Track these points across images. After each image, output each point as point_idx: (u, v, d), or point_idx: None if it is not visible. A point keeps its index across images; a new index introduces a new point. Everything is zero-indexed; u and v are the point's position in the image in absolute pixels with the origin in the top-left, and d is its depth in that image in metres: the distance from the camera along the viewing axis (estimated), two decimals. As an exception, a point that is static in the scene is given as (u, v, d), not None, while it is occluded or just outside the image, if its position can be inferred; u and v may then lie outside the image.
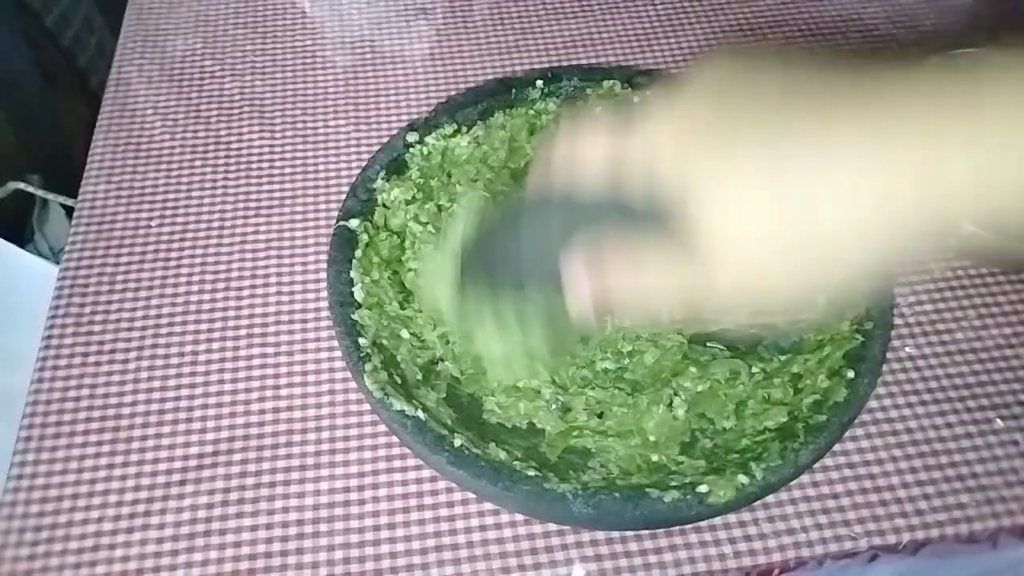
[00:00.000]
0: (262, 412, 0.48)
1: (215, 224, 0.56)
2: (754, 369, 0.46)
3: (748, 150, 0.27)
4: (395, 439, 0.43)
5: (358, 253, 0.46)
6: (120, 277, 0.53)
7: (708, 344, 0.47)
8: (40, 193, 0.80)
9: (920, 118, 0.25)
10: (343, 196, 0.50)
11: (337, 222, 0.47)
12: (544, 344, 0.36)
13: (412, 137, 0.51)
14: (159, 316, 0.52)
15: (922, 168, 0.25)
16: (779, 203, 0.26)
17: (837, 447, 0.41)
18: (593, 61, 0.66)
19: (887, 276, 0.29)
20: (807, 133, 0.26)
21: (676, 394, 0.46)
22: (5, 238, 0.70)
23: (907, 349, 0.50)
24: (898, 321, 0.51)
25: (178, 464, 0.46)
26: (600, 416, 0.45)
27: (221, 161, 0.60)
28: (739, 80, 0.28)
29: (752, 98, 0.28)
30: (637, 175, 0.29)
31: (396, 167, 0.50)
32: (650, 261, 0.30)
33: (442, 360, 0.46)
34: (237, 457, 0.46)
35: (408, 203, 0.50)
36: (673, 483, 0.39)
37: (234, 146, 0.61)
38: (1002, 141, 0.24)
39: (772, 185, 0.26)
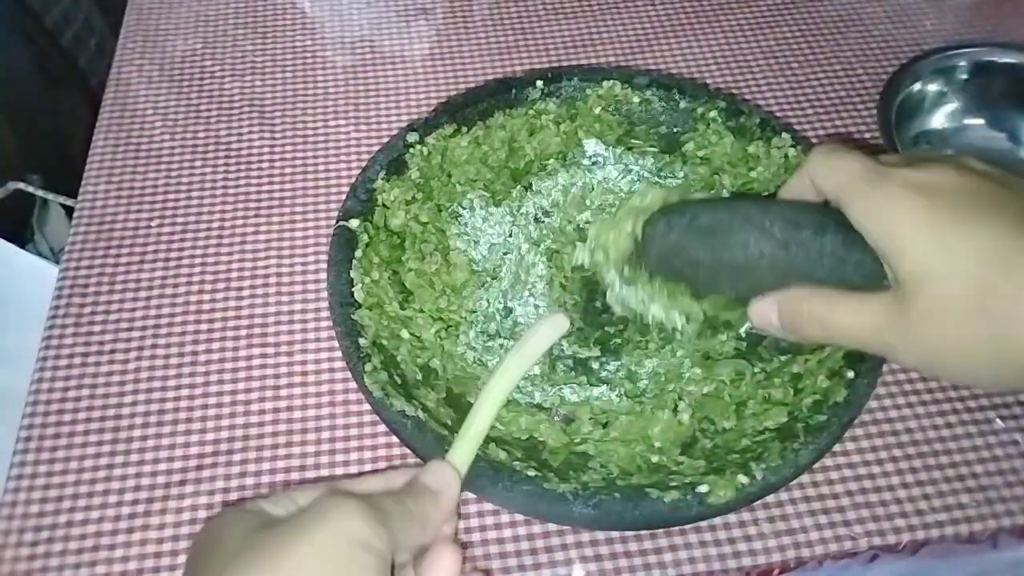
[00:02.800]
0: (262, 412, 0.48)
1: (215, 224, 0.56)
2: (755, 369, 0.46)
3: (986, 233, 0.28)
4: (395, 439, 0.43)
5: (358, 253, 0.46)
6: (120, 277, 0.53)
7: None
8: (40, 193, 0.80)
9: None
10: (343, 196, 0.50)
11: (337, 222, 0.47)
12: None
13: (412, 137, 0.51)
14: (159, 316, 0.52)
15: None
16: (1000, 295, 0.27)
17: (837, 447, 0.41)
18: (593, 61, 0.66)
19: None
20: None
21: (680, 398, 0.46)
22: (5, 238, 0.70)
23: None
24: (898, 321, 0.51)
25: (178, 464, 0.46)
26: (605, 426, 0.45)
27: (221, 161, 0.60)
28: (986, 177, 0.31)
29: (996, 195, 0.30)
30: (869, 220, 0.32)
31: (396, 167, 0.50)
32: (845, 302, 0.33)
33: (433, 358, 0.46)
34: (237, 457, 0.46)
35: (408, 203, 0.50)
36: (673, 483, 0.39)
37: (234, 146, 0.61)
38: None
39: (999, 274, 0.28)
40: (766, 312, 0.36)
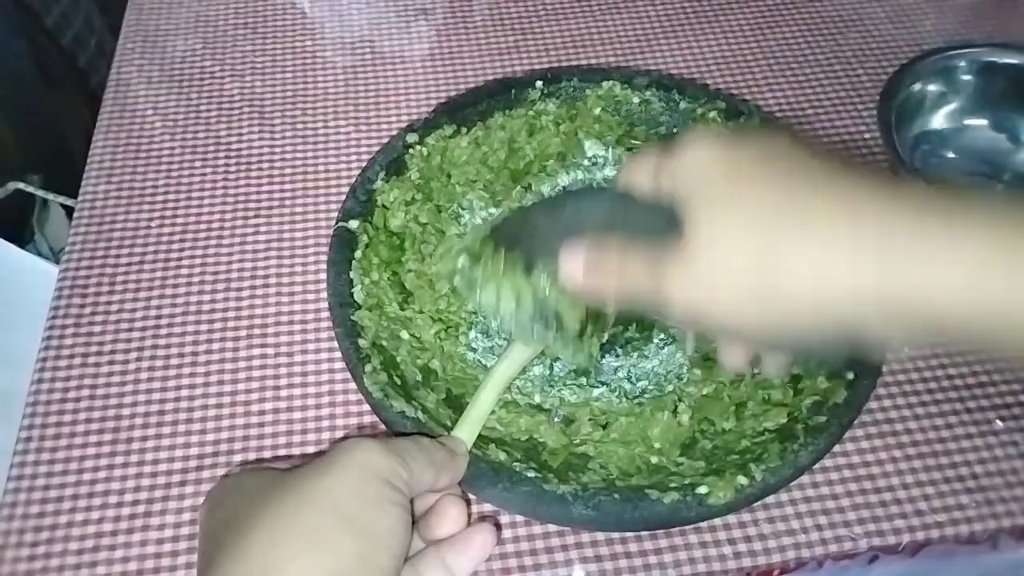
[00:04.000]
0: (262, 413, 0.48)
1: (215, 225, 0.56)
2: (754, 370, 0.46)
3: (753, 196, 0.31)
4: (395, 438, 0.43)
5: (358, 254, 0.46)
6: (120, 277, 0.53)
7: None
8: (40, 193, 0.80)
9: (904, 226, 0.28)
10: (343, 197, 0.50)
11: (337, 223, 0.47)
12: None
13: (412, 138, 0.51)
14: (159, 316, 0.52)
15: (893, 265, 0.28)
16: (764, 250, 0.30)
17: (837, 448, 0.41)
18: (593, 61, 0.66)
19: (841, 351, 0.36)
20: (808, 205, 0.30)
21: (680, 399, 0.46)
22: (5, 238, 0.70)
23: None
24: (898, 322, 0.51)
25: (178, 465, 0.46)
26: (605, 427, 0.45)
27: (221, 161, 0.60)
28: (751, 146, 0.33)
29: (766, 162, 0.32)
30: (665, 187, 0.34)
31: (396, 168, 0.50)
32: (641, 254, 0.34)
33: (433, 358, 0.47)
34: (237, 458, 0.46)
35: (408, 204, 0.50)
36: (673, 484, 0.39)
37: (234, 146, 0.61)
38: (978, 261, 0.27)
39: (763, 233, 0.30)
40: (572, 261, 0.36)
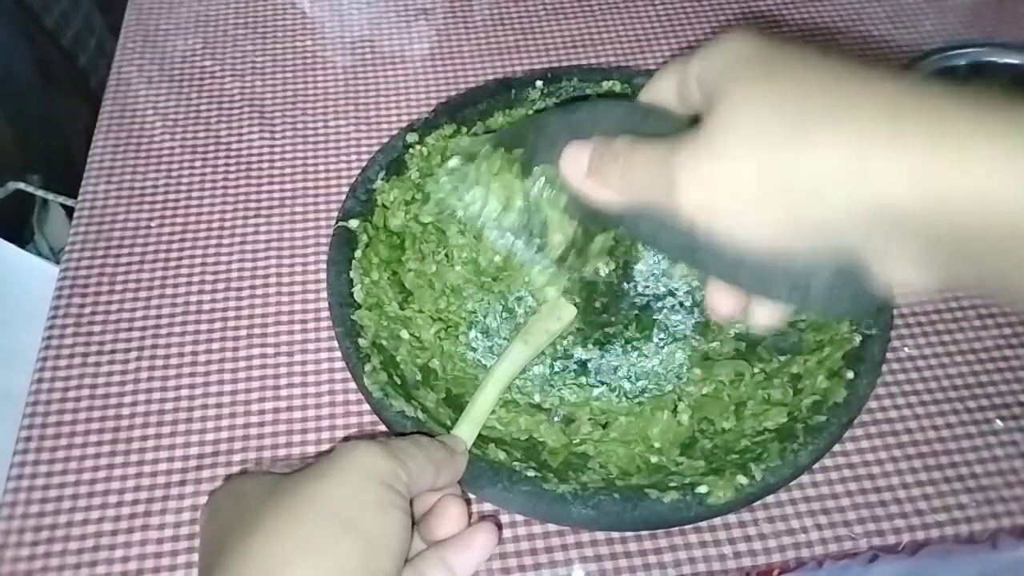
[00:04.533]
0: (262, 412, 0.48)
1: (215, 224, 0.56)
2: (754, 370, 0.46)
3: (784, 82, 0.27)
4: (394, 439, 0.43)
5: (358, 254, 0.46)
6: (120, 277, 0.53)
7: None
8: (40, 193, 0.80)
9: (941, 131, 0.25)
10: (343, 196, 0.50)
11: (337, 222, 0.47)
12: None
13: (412, 137, 0.51)
14: (159, 316, 0.52)
15: (938, 164, 0.24)
16: (792, 137, 0.26)
17: (837, 447, 0.41)
18: (593, 61, 0.66)
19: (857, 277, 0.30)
20: (845, 95, 0.26)
21: (680, 399, 0.46)
22: (5, 238, 0.70)
23: (907, 349, 0.50)
24: (898, 321, 0.51)
25: (178, 464, 0.46)
26: (605, 426, 0.45)
27: (221, 161, 0.60)
28: (787, 42, 0.29)
29: (802, 53, 0.28)
30: (691, 90, 0.31)
31: (396, 167, 0.50)
32: (648, 144, 0.30)
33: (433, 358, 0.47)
34: (237, 457, 0.46)
35: (408, 203, 0.50)
36: (672, 484, 0.39)
37: (234, 146, 0.61)
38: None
39: (793, 119, 0.26)
40: (576, 153, 0.33)
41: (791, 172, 0.26)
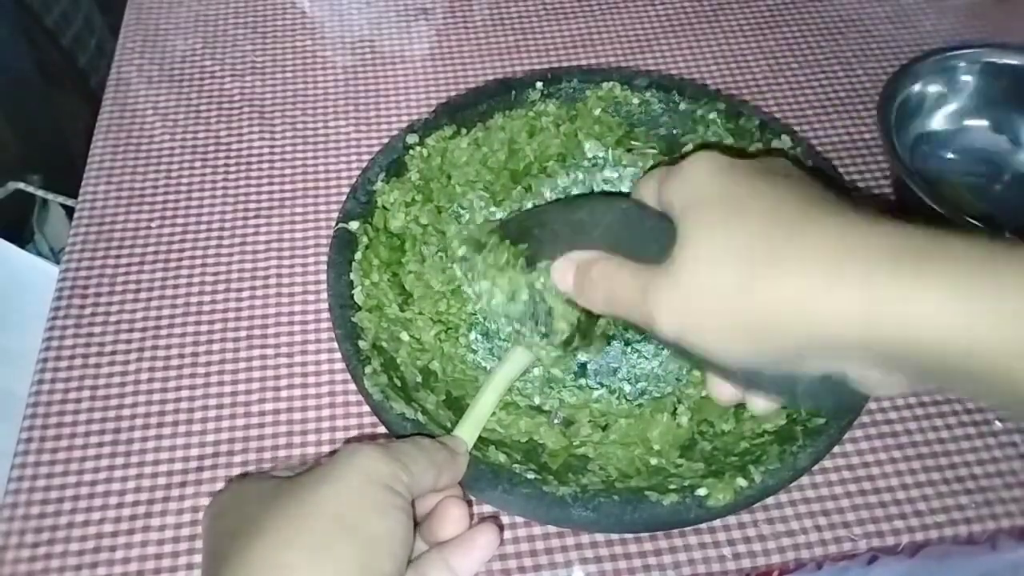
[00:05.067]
0: (262, 414, 0.48)
1: (215, 225, 0.56)
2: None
3: (745, 219, 0.30)
4: (395, 441, 0.44)
5: (358, 255, 0.46)
6: (120, 278, 0.53)
7: None
8: (40, 193, 0.80)
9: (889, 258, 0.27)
10: (343, 197, 0.50)
11: (337, 224, 0.47)
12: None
13: (412, 139, 0.51)
14: (159, 317, 0.52)
15: (877, 297, 0.27)
16: (751, 273, 0.29)
17: (836, 449, 0.41)
18: (593, 62, 0.66)
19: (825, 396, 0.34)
20: (798, 232, 0.29)
21: (680, 401, 0.46)
22: (5, 238, 0.70)
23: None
24: (898, 323, 0.51)
25: (178, 465, 0.46)
26: (604, 428, 0.45)
27: (221, 162, 0.60)
28: (750, 171, 0.33)
29: (761, 190, 0.32)
30: (665, 202, 0.35)
31: (396, 169, 0.50)
32: (630, 269, 0.34)
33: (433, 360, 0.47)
34: (237, 459, 0.46)
35: (408, 205, 0.50)
36: (672, 486, 0.39)
37: (234, 147, 0.61)
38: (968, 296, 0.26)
39: (751, 256, 0.30)
40: (564, 270, 0.38)
41: (747, 309, 0.29)
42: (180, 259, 0.54)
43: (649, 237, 0.35)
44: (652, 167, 0.52)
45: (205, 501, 0.45)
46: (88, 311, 0.52)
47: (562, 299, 0.40)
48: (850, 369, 0.30)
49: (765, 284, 0.29)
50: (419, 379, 0.44)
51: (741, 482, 0.38)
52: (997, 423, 0.47)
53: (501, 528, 0.43)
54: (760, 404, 0.36)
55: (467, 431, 0.40)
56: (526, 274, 0.40)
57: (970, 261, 0.26)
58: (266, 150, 0.60)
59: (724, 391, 0.36)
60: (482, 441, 0.41)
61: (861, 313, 0.27)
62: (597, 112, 0.54)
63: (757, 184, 0.32)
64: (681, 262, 0.31)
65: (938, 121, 0.60)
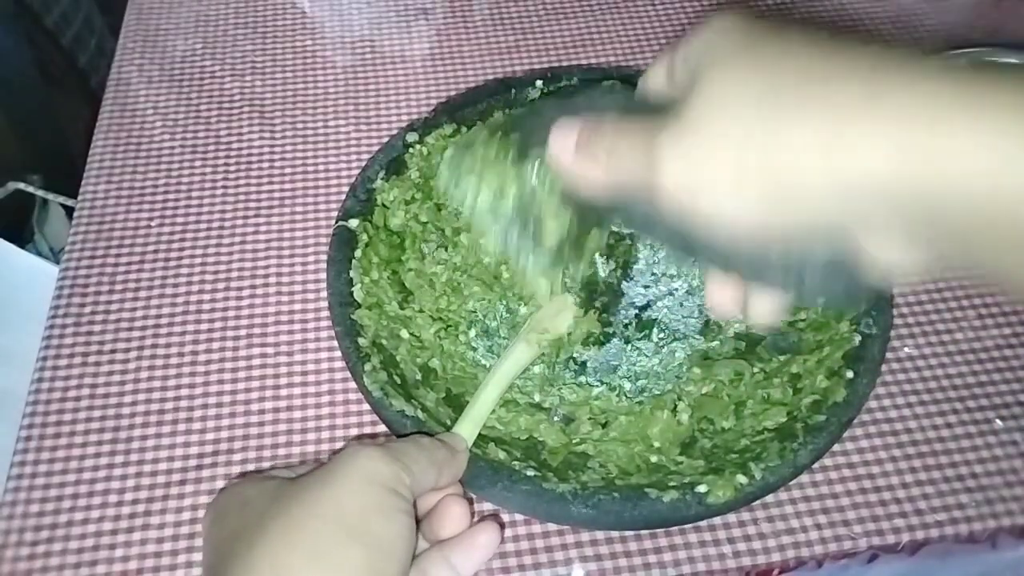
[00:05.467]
0: (262, 412, 0.48)
1: (215, 224, 0.56)
2: (754, 369, 0.46)
3: (763, 64, 0.27)
4: (395, 439, 0.43)
5: (358, 253, 0.46)
6: (120, 277, 0.53)
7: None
8: (40, 193, 0.80)
9: (925, 107, 0.24)
10: (343, 196, 0.50)
11: (337, 222, 0.47)
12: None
13: (412, 137, 0.51)
14: (159, 316, 0.52)
15: (911, 143, 0.24)
16: (767, 118, 0.26)
17: (836, 447, 0.41)
18: (593, 61, 0.66)
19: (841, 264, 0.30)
20: (822, 75, 0.26)
21: (680, 398, 0.46)
22: (5, 238, 0.70)
23: (907, 349, 0.50)
24: (898, 321, 0.51)
25: (178, 464, 0.46)
26: (604, 426, 0.45)
27: (221, 161, 0.60)
28: (771, 25, 0.29)
29: (784, 37, 0.28)
30: (679, 76, 0.31)
31: (396, 167, 0.50)
32: (634, 125, 0.30)
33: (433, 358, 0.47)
34: (237, 457, 0.46)
35: (408, 203, 0.50)
36: (672, 483, 0.39)
37: (234, 146, 0.61)
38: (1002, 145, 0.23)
39: (768, 101, 0.26)
40: (566, 131, 0.33)
41: (768, 151, 0.26)
42: (180, 258, 0.54)
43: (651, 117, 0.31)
44: None
45: (205, 499, 0.45)
46: (88, 310, 0.52)
47: (554, 195, 0.37)
48: (867, 240, 0.28)
49: (784, 127, 0.26)
50: (419, 376, 0.44)
51: (741, 479, 0.38)
52: (998, 422, 0.47)
53: (502, 526, 0.43)
54: (761, 309, 0.32)
55: (467, 428, 0.40)
56: (517, 166, 0.37)
57: (1018, 102, 0.23)
58: (266, 149, 0.60)
59: (723, 297, 0.33)
60: (482, 438, 0.41)
61: (890, 158, 0.24)
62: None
63: (778, 35, 0.28)
64: (693, 107, 0.28)
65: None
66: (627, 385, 0.47)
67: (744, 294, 0.32)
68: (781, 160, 0.26)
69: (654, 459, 0.43)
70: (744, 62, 0.28)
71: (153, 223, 0.56)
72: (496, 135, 0.38)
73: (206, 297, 0.53)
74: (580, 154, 0.32)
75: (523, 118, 0.39)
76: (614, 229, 0.46)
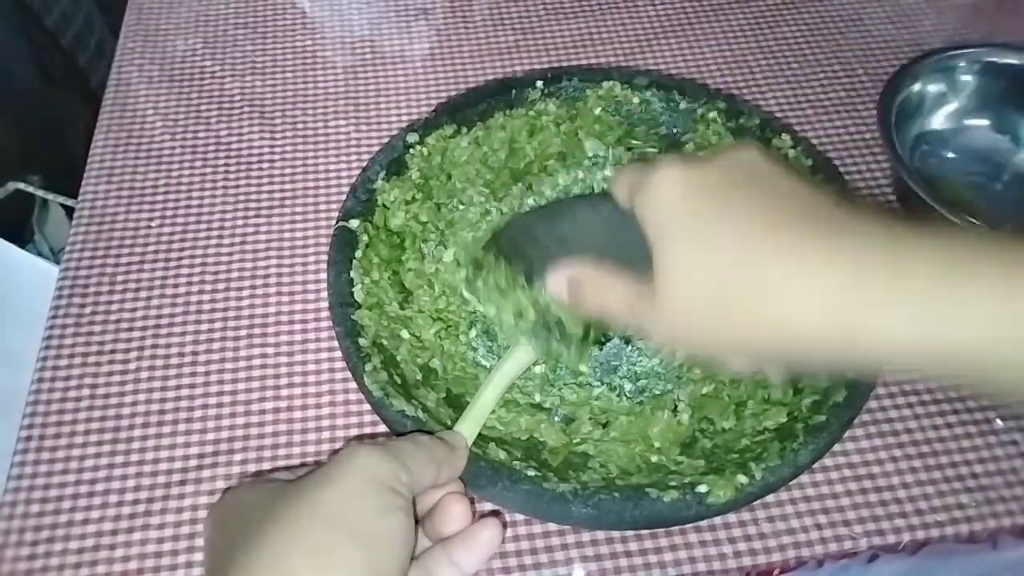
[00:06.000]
0: (262, 412, 0.48)
1: (215, 224, 0.56)
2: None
3: (712, 230, 0.31)
4: (395, 439, 0.43)
5: (358, 253, 0.46)
6: (120, 277, 0.53)
7: None
8: (40, 193, 0.80)
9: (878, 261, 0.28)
10: (343, 196, 0.50)
11: (337, 222, 0.47)
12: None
13: (412, 138, 0.51)
14: (159, 316, 0.52)
15: (834, 302, 0.28)
16: (734, 286, 0.30)
17: (837, 447, 0.41)
18: (593, 61, 0.66)
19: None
20: (764, 234, 0.30)
21: (680, 399, 0.46)
22: (5, 238, 0.70)
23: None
24: (898, 321, 0.51)
25: (178, 464, 0.46)
26: (605, 426, 0.45)
27: (221, 161, 0.60)
28: (712, 178, 0.33)
29: (730, 186, 0.32)
30: (637, 215, 0.34)
31: (396, 167, 0.50)
32: (620, 284, 0.35)
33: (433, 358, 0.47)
34: (237, 457, 0.46)
35: (408, 203, 0.50)
36: (672, 483, 0.39)
37: (234, 146, 0.61)
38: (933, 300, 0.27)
39: (736, 269, 0.30)
40: (557, 284, 0.38)
41: (728, 312, 0.30)
42: (180, 258, 0.54)
43: (632, 240, 0.35)
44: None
45: (205, 499, 0.45)
46: (88, 310, 0.52)
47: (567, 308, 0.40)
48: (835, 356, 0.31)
49: (742, 282, 0.30)
50: (419, 377, 0.44)
51: (742, 479, 0.38)
52: (998, 422, 0.47)
53: (504, 524, 0.43)
54: (773, 371, 0.37)
55: (467, 427, 0.40)
56: (527, 292, 0.41)
57: (934, 271, 0.27)
58: (266, 150, 0.60)
59: (740, 364, 0.36)
60: (482, 438, 0.41)
61: (817, 324, 0.29)
62: (597, 111, 0.54)
63: (723, 202, 0.32)
64: (661, 285, 0.32)
65: (938, 120, 0.60)
66: (627, 385, 0.47)
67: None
68: (740, 312, 0.30)
69: (654, 459, 0.43)
70: (692, 240, 0.32)
71: (153, 223, 0.56)
72: (501, 261, 0.42)
73: (206, 297, 0.53)
74: (574, 300, 0.38)
75: (522, 243, 0.43)
76: None
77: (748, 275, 0.30)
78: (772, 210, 0.31)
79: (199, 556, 0.43)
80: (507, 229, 0.44)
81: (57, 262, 0.62)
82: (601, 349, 0.49)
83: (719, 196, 0.32)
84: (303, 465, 0.45)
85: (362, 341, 0.43)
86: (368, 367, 0.42)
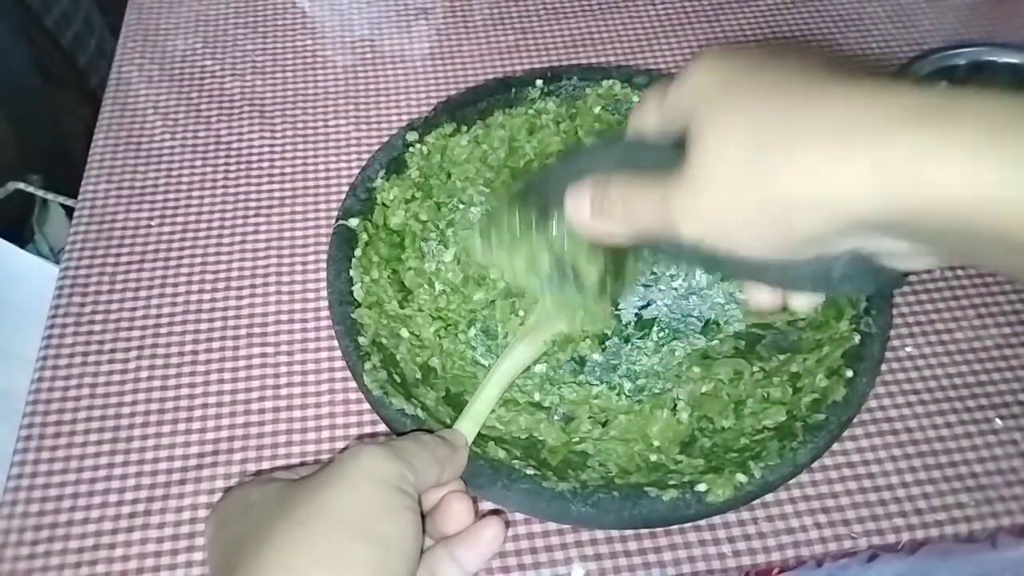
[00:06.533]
0: (262, 411, 0.48)
1: (215, 224, 0.56)
2: (753, 368, 0.46)
3: (746, 107, 0.29)
4: (395, 438, 0.43)
5: (358, 252, 0.46)
6: (120, 277, 0.53)
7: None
8: (40, 193, 0.80)
9: (903, 125, 0.26)
10: (343, 196, 0.50)
11: (337, 221, 0.47)
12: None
13: (412, 136, 0.51)
14: (159, 316, 0.52)
15: (888, 162, 0.25)
16: (757, 159, 0.28)
17: (836, 446, 0.41)
18: (593, 61, 0.66)
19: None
20: (801, 110, 0.28)
21: (679, 397, 0.46)
22: (5, 238, 0.70)
23: (907, 349, 0.50)
24: (898, 321, 0.51)
25: (178, 464, 0.46)
26: (604, 425, 0.45)
27: (221, 161, 0.60)
28: (753, 57, 0.31)
29: (763, 71, 0.30)
30: (669, 119, 0.33)
31: (396, 166, 0.50)
32: (645, 185, 0.33)
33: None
34: (237, 456, 0.46)
35: (408, 202, 0.50)
36: (672, 482, 0.39)
37: (234, 146, 0.61)
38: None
39: (755, 143, 0.28)
40: (579, 197, 0.35)
41: (764, 198, 0.28)
42: (180, 257, 0.55)
43: (655, 164, 0.34)
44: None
45: (205, 499, 0.45)
46: (88, 310, 0.52)
47: (583, 248, 0.39)
48: (878, 245, 0.30)
49: (777, 167, 0.28)
50: (419, 375, 0.44)
51: (741, 478, 0.38)
52: (998, 421, 0.47)
53: (507, 523, 0.43)
54: (801, 301, 0.35)
55: (467, 425, 0.40)
56: (540, 232, 0.39)
57: (990, 119, 0.24)
58: (266, 149, 0.60)
59: (762, 296, 0.35)
60: (481, 437, 0.41)
61: (875, 186, 0.26)
62: (597, 110, 0.54)
63: (760, 69, 0.30)
64: (694, 164, 0.30)
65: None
66: (627, 384, 0.47)
67: (780, 294, 0.35)
68: (779, 207, 0.28)
69: (654, 458, 0.43)
70: (729, 110, 0.30)
71: (153, 223, 0.56)
72: (514, 206, 0.40)
73: (206, 297, 0.53)
74: (596, 216, 0.35)
75: (535, 183, 0.41)
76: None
77: (784, 140, 0.28)
78: (808, 85, 0.29)
79: (199, 556, 0.43)
80: (523, 180, 0.43)
81: (57, 262, 0.61)
82: (603, 350, 0.49)
83: (753, 65, 0.30)
84: (303, 464, 0.45)
85: (361, 340, 0.43)
86: (367, 366, 0.42)
